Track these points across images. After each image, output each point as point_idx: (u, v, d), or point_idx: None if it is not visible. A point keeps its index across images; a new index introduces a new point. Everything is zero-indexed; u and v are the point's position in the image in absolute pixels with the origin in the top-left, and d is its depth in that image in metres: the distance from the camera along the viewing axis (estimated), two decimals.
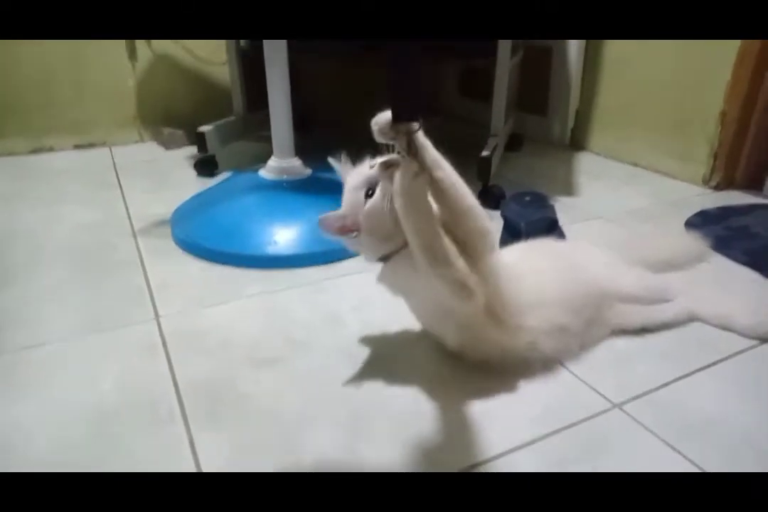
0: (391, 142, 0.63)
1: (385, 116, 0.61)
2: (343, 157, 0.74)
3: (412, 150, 0.62)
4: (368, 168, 0.69)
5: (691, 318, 0.90)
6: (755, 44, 1.33)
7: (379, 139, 0.63)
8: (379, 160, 0.68)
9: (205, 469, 0.63)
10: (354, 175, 0.71)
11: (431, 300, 0.73)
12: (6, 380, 0.77)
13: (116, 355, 0.82)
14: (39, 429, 0.68)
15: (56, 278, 1.02)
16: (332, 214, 0.70)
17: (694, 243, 1.09)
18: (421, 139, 0.63)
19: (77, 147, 1.82)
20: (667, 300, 0.90)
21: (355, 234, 0.70)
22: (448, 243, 0.66)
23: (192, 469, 0.63)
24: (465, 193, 0.67)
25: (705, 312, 0.90)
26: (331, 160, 0.75)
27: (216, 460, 0.64)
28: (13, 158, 1.72)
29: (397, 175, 0.64)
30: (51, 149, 1.79)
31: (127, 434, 0.68)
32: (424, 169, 0.63)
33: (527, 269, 0.80)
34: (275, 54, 1.13)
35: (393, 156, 0.66)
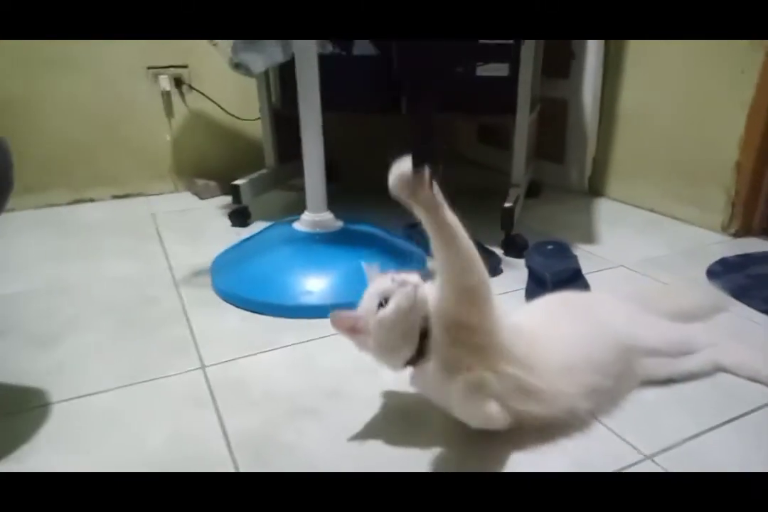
0: (404, 199, 0.67)
1: (401, 168, 0.65)
2: (375, 264, 0.80)
3: (429, 205, 0.66)
4: (389, 279, 0.74)
5: (717, 369, 0.92)
6: (764, 99, 1.39)
7: (394, 191, 0.66)
8: (401, 276, 0.74)
9: None
10: (376, 282, 0.76)
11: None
12: (57, 432, 0.81)
13: (165, 406, 0.86)
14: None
15: (102, 332, 1.08)
16: (345, 314, 0.75)
17: (715, 293, 1.12)
18: (438, 197, 0.67)
19: (115, 197, 1.92)
20: (691, 352, 0.93)
21: (363, 337, 0.75)
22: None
23: None
24: (471, 246, 0.70)
25: (730, 362, 0.92)
26: (363, 265, 0.81)
27: None
28: (55, 209, 1.81)
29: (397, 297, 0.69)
30: (91, 200, 1.89)
31: None
32: (442, 226, 0.68)
33: (552, 331, 0.83)
34: (310, 116, 1.21)
35: (413, 276, 0.73)
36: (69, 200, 1.86)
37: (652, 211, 1.72)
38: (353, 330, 0.75)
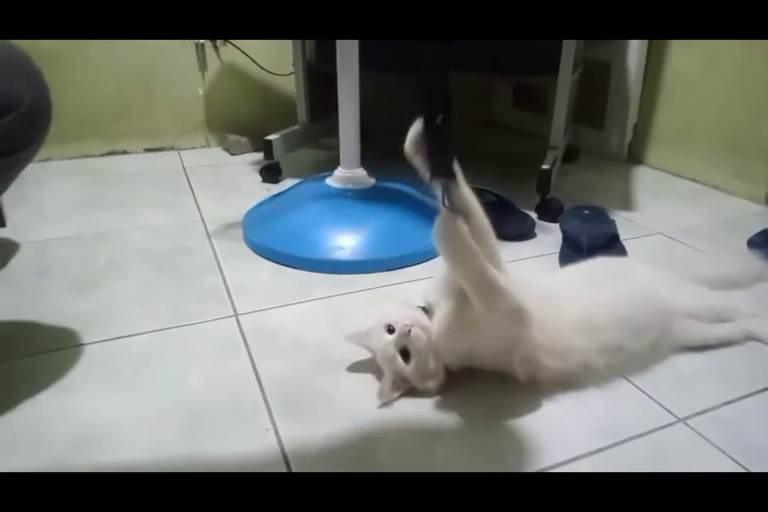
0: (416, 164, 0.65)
1: (414, 132, 0.64)
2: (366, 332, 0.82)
3: (452, 199, 0.66)
4: (386, 332, 0.77)
5: (749, 338, 0.91)
6: None
7: (408, 155, 0.65)
8: (396, 330, 0.75)
9: (293, 464, 0.68)
10: (381, 345, 0.77)
11: (496, 340, 0.75)
12: (96, 370, 0.83)
13: (201, 350, 0.88)
14: (132, 426, 0.73)
15: (138, 278, 1.09)
16: (385, 388, 0.77)
17: (756, 262, 1.10)
18: (462, 189, 0.67)
19: (148, 150, 1.92)
20: (726, 320, 0.92)
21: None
22: (496, 274, 0.68)
23: (280, 462, 0.68)
24: (491, 237, 0.72)
25: (763, 332, 0.91)
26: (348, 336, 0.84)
27: (302, 455, 0.69)
28: (89, 160, 1.83)
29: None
30: (124, 152, 1.89)
31: (216, 428, 0.73)
32: (466, 217, 0.67)
33: (579, 292, 0.85)
34: (348, 72, 1.18)
35: (403, 328, 0.74)
36: (103, 152, 1.87)
37: (693, 180, 1.67)
38: (401, 388, 0.78)
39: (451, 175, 0.65)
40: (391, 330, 0.77)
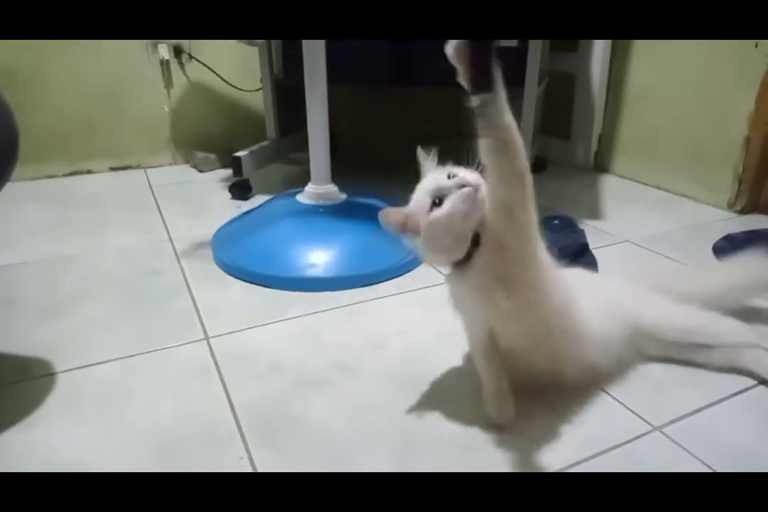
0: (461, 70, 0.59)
1: (458, 41, 0.58)
2: (433, 152, 0.71)
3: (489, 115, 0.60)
4: (446, 176, 0.67)
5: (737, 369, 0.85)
6: None
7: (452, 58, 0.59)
8: (460, 173, 0.66)
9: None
10: (431, 177, 0.69)
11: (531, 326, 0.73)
12: (64, 401, 0.81)
13: (172, 376, 0.86)
14: (101, 462, 0.70)
15: (106, 303, 1.07)
16: (395, 211, 0.68)
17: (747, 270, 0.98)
18: (502, 107, 0.60)
19: (113, 169, 1.89)
20: (714, 343, 0.86)
21: (412, 235, 0.68)
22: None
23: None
24: (524, 159, 0.64)
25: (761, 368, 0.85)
26: (419, 152, 0.72)
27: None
28: (53, 181, 1.78)
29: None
30: (89, 172, 1.86)
31: (189, 458, 0.71)
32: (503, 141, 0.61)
33: None
34: (315, 86, 1.18)
35: (473, 175, 0.66)
36: (67, 172, 1.83)
37: (658, 188, 1.70)
38: (403, 228, 0.68)
39: (491, 89, 0.59)
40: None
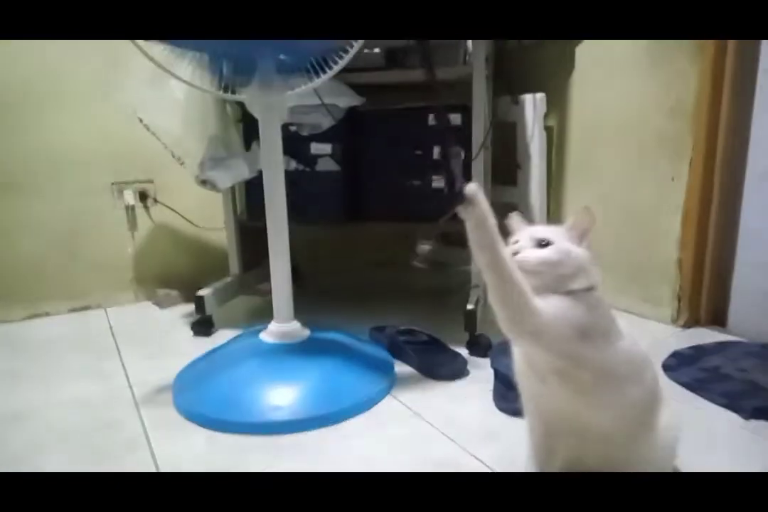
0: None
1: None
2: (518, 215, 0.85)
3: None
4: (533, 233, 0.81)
5: None
6: (694, 202, 1.52)
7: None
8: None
9: None
10: (530, 228, 0.82)
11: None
12: None
13: None
14: None
15: (58, 463, 1.01)
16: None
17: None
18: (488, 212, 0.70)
19: (72, 310, 1.88)
20: None
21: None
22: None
23: None
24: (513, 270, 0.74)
25: None
26: (514, 214, 0.85)
27: None
28: (7, 326, 1.75)
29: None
30: (47, 314, 1.84)
31: None
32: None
33: None
34: (278, 230, 1.25)
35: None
36: (23, 316, 1.81)
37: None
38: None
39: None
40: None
